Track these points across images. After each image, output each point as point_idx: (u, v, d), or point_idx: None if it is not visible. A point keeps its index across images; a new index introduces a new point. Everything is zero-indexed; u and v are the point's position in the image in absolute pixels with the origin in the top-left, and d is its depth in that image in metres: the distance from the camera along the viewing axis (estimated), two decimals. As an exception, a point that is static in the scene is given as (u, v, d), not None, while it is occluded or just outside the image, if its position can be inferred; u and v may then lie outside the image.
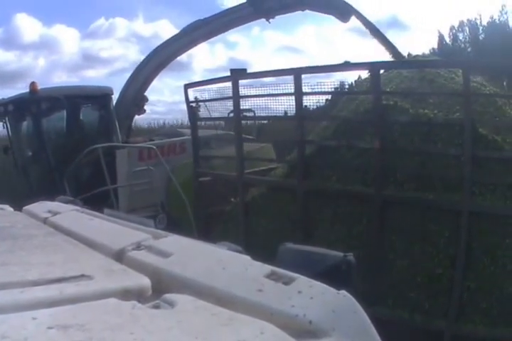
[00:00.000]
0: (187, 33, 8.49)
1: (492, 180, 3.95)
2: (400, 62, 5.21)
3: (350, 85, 5.48)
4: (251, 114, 5.78)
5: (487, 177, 3.95)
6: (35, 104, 7.32)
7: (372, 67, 4.48)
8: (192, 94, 6.21)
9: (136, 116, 9.52)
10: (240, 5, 8.29)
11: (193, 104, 6.16)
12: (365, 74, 5.03)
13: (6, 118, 7.91)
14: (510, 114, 4.57)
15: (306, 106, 5.11)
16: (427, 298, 3.99)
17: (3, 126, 8.05)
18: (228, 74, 5.97)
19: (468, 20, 14.03)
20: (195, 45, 8.95)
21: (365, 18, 8.37)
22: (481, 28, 13.59)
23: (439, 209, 4.06)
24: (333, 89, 5.05)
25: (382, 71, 4.72)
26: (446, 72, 5.01)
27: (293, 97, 4.84)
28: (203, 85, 6.24)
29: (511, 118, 4.54)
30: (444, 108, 4.42)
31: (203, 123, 6.90)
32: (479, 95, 4.59)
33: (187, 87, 6.17)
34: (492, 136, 4.09)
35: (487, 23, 13.56)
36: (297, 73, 4.74)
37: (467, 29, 13.99)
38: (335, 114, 5.24)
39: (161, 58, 8.61)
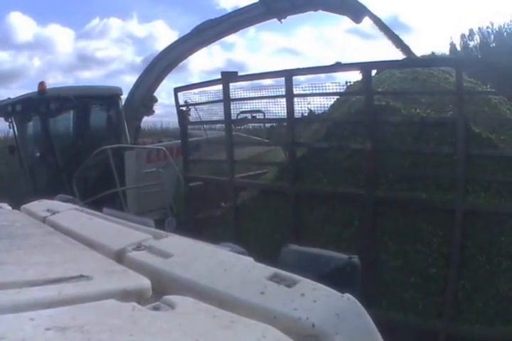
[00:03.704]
0: (197, 33, 8.48)
1: (486, 178, 3.94)
2: (391, 61, 5.17)
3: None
4: (260, 116, 5.75)
5: (481, 175, 3.94)
6: (44, 104, 7.27)
7: (364, 67, 4.46)
8: (191, 97, 6.18)
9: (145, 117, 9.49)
10: (252, 5, 8.28)
11: (183, 108, 6.12)
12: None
13: (12, 118, 7.88)
14: (505, 113, 4.57)
15: (311, 110, 5.09)
16: (422, 298, 3.98)
17: (10, 126, 8.02)
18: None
19: (479, 28, 14.18)
20: (205, 45, 8.94)
21: (378, 19, 8.39)
22: (492, 36, 13.69)
23: (433, 209, 4.05)
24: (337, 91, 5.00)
25: (374, 72, 4.70)
26: (440, 72, 5.00)
27: (299, 99, 4.82)
28: (193, 88, 6.16)
29: (506, 116, 4.53)
30: (437, 107, 4.41)
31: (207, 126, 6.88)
32: (472, 93, 4.58)
33: (177, 90, 6.12)
34: (486, 134, 4.08)
35: (497, 30, 13.68)
36: (288, 75, 4.71)
37: (478, 37, 14.14)
38: (326, 116, 5.22)
39: (170, 58, 8.61)
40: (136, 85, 8.77)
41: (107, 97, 8.09)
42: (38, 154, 8.06)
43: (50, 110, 7.34)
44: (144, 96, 8.73)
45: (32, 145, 8.24)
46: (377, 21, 8.49)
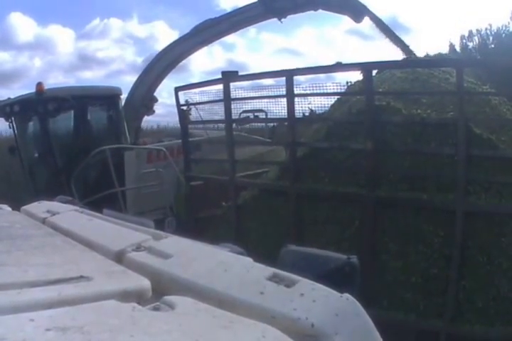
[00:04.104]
0: (196, 32, 8.47)
1: (486, 179, 3.94)
2: (392, 62, 5.17)
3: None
4: (263, 115, 5.76)
5: (481, 176, 3.94)
6: (41, 104, 7.24)
7: (365, 67, 4.45)
8: (192, 97, 6.19)
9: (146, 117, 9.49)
10: (251, 4, 8.26)
11: (184, 107, 6.13)
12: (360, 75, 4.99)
13: (13, 118, 7.88)
14: (505, 113, 4.57)
15: (312, 109, 5.10)
16: (423, 299, 3.98)
17: (10, 126, 8.02)
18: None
19: (477, 30, 14.29)
20: (205, 45, 8.92)
21: (378, 18, 8.39)
22: (491, 37, 13.80)
23: (433, 209, 4.04)
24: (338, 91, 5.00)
25: (375, 72, 4.70)
26: (441, 73, 4.99)
27: (299, 99, 4.82)
28: (194, 88, 6.18)
29: (506, 117, 4.53)
30: (438, 108, 4.41)
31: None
32: (473, 94, 4.57)
33: (177, 89, 6.12)
34: (487, 135, 4.08)
35: (496, 31, 13.78)
36: (289, 75, 4.71)
37: (476, 39, 14.24)
38: (327, 116, 5.22)
39: (170, 58, 8.59)
40: (136, 85, 8.76)
41: (107, 97, 8.05)
42: (36, 154, 8.08)
43: (47, 111, 7.31)
44: (144, 96, 8.71)
45: (32, 146, 8.24)
46: (378, 21, 8.49)
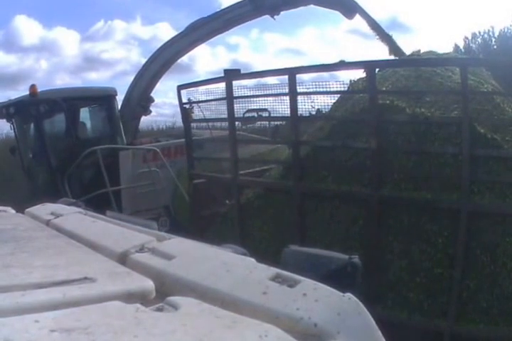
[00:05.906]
0: (191, 31, 8.47)
1: (491, 179, 3.93)
2: (396, 60, 5.16)
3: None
4: (266, 114, 5.75)
5: (486, 175, 3.93)
6: (34, 106, 7.33)
7: (368, 66, 4.44)
8: (195, 96, 6.18)
9: (143, 117, 9.51)
10: (241, 2, 8.26)
11: (187, 106, 6.13)
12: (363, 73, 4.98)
13: (13, 120, 7.94)
14: (508, 112, 4.54)
15: (318, 109, 5.09)
16: (427, 298, 3.98)
17: (11, 127, 8.10)
18: None
19: (479, 32, 14.44)
20: (200, 43, 8.92)
21: (369, 16, 8.37)
22: (493, 39, 13.95)
23: (438, 209, 4.04)
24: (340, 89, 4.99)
25: (377, 70, 4.70)
26: (443, 70, 4.97)
27: (304, 98, 4.81)
28: (196, 86, 6.18)
29: (510, 116, 4.50)
30: (441, 106, 4.39)
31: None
32: (477, 93, 4.56)
33: (180, 88, 6.11)
34: (491, 135, 4.07)
35: (498, 33, 13.92)
36: (292, 73, 4.71)
37: (479, 40, 14.38)
38: (330, 114, 5.22)
39: (165, 57, 8.60)
40: (133, 85, 8.76)
41: (101, 98, 8.09)
42: (30, 155, 8.14)
43: (40, 113, 7.40)
44: (140, 96, 8.72)
45: (29, 147, 8.31)
46: (368, 19, 8.46)
